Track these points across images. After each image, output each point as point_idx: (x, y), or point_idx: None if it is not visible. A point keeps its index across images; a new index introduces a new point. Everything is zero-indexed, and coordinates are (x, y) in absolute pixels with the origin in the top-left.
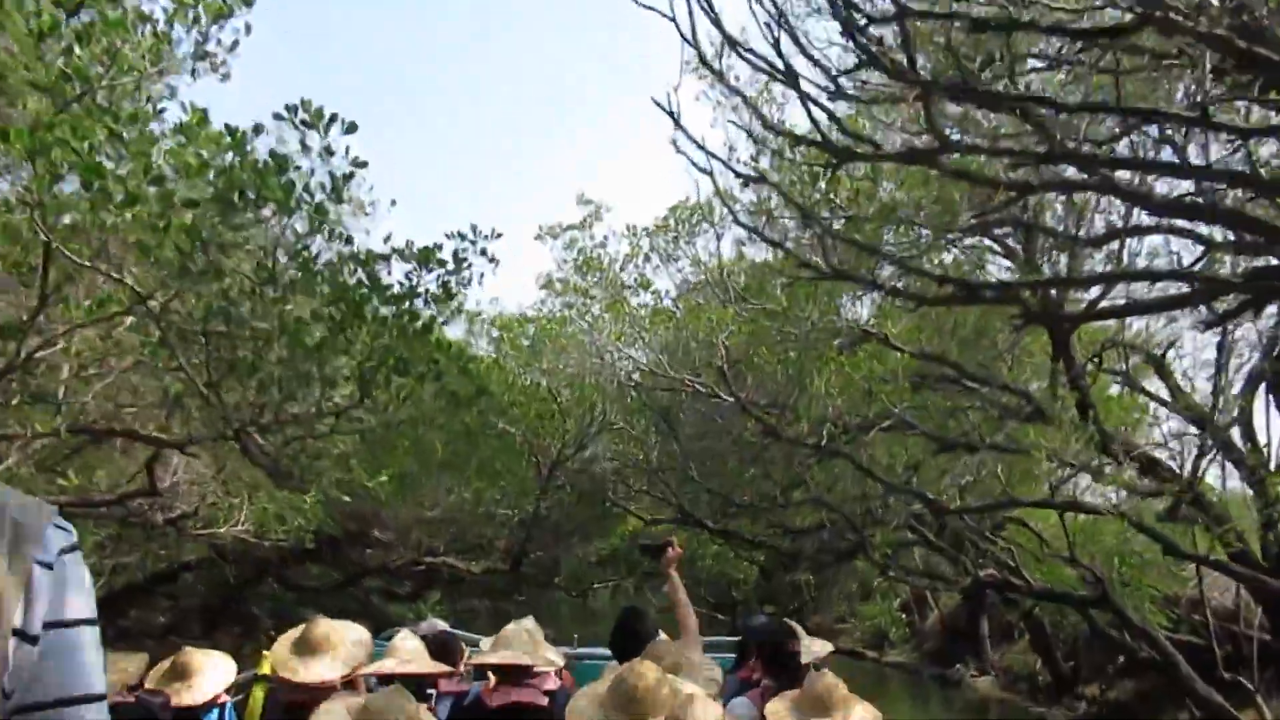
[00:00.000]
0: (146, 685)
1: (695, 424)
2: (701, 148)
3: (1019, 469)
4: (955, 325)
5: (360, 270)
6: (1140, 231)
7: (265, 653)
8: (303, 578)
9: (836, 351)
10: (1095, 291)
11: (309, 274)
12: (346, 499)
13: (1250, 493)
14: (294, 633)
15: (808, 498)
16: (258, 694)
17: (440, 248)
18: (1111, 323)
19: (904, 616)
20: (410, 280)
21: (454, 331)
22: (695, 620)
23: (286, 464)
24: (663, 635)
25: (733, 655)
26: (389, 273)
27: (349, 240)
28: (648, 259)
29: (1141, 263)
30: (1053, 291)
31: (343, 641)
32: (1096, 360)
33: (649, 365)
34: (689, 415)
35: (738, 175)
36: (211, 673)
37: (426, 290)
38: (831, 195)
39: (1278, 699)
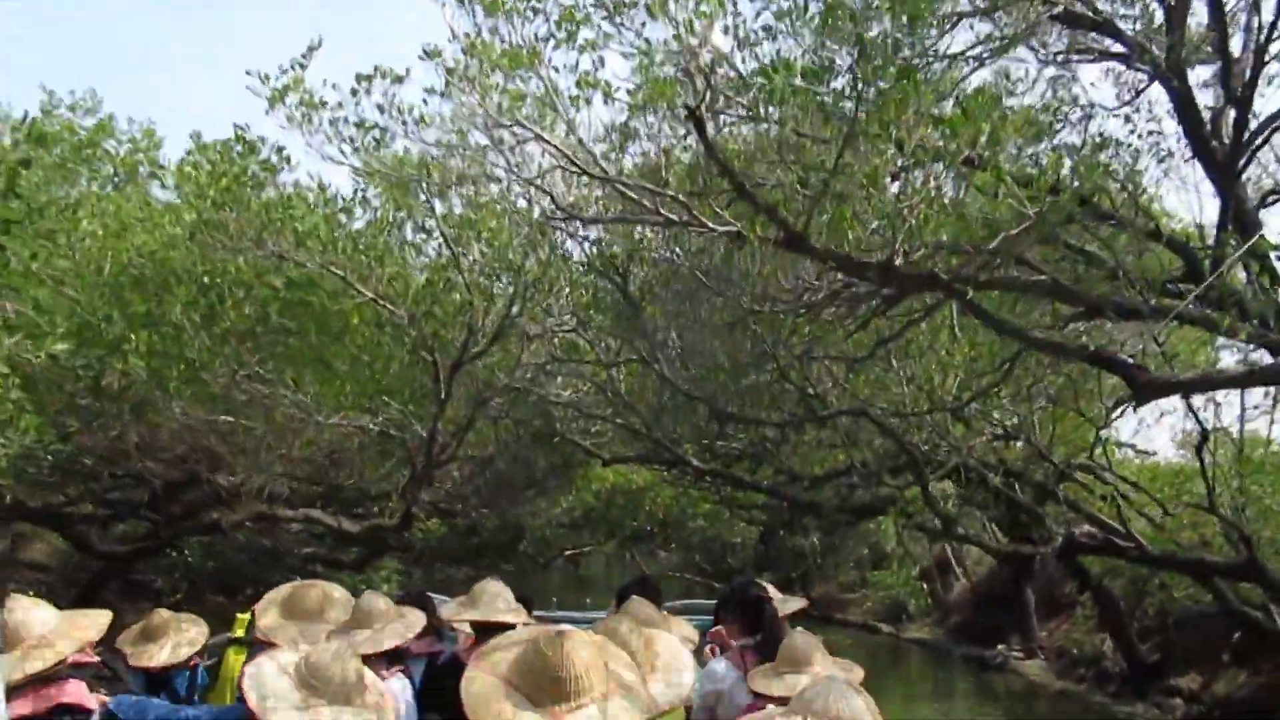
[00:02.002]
0: (117, 646)
1: (664, 287)
2: None
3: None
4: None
5: None
6: None
7: (240, 615)
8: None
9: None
10: None
11: None
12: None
13: None
14: (280, 596)
15: (840, 410)
16: (235, 657)
17: None
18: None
19: (924, 586)
20: None
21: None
22: None
23: None
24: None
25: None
26: None
27: None
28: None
29: None
30: None
31: (335, 605)
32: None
33: (579, 161)
34: (660, 291)
35: None
36: (183, 635)
37: None
38: None
39: None
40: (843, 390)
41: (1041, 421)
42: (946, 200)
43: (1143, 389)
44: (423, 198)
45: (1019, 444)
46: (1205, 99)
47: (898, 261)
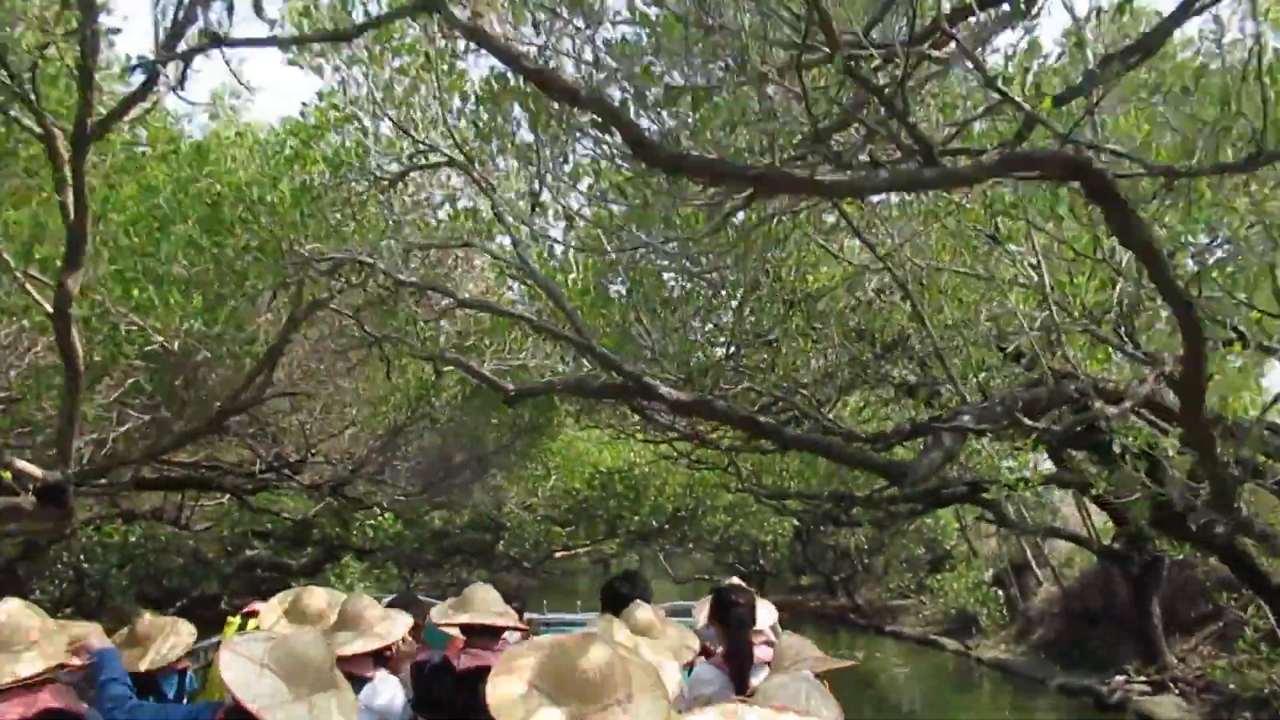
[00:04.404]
0: None
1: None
2: None
3: None
4: None
5: None
6: None
7: (230, 619)
8: None
9: None
10: None
11: None
12: None
13: None
14: (285, 601)
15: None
16: None
17: None
18: None
19: (998, 593)
20: None
21: None
22: None
23: None
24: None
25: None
26: None
27: None
28: None
29: None
30: None
31: (335, 610)
32: None
33: None
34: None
35: None
36: (170, 639)
37: None
38: None
39: None
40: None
41: None
42: None
43: None
44: None
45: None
46: None
47: None
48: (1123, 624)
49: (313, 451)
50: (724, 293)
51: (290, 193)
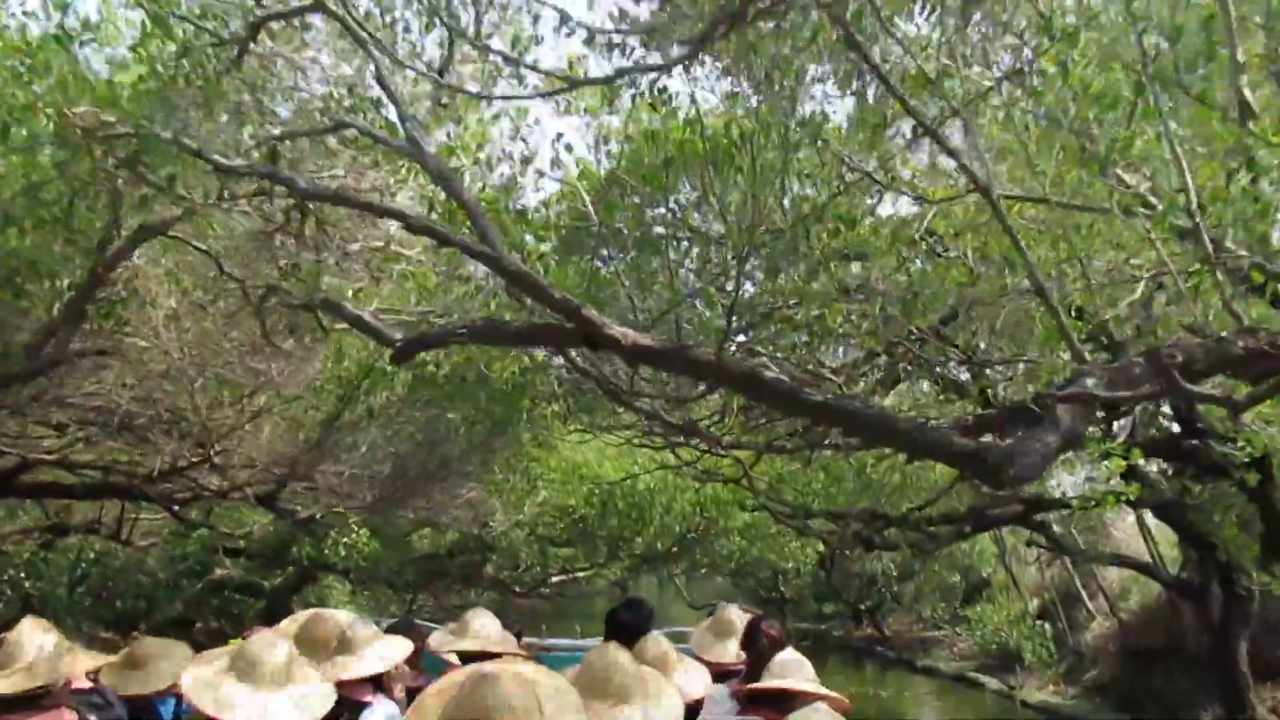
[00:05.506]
0: (101, 676)
1: None
2: None
3: None
4: None
5: None
6: None
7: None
8: None
9: None
10: None
11: None
12: None
13: None
14: (295, 624)
15: None
16: None
17: None
18: None
19: (1044, 627)
20: None
21: None
22: None
23: None
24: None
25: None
26: None
27: None
28: None
29: None
30: None
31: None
32: None
33: None
34: None
35: None
36: (166, 662)
37: None
38: None
39: None
40: None
41: None
42: None
43: None
44: None
45: None
46: None
47: None
48: (1194, 665)
49: (216, 450)
50: (719, 250)
51: (131, 84)
